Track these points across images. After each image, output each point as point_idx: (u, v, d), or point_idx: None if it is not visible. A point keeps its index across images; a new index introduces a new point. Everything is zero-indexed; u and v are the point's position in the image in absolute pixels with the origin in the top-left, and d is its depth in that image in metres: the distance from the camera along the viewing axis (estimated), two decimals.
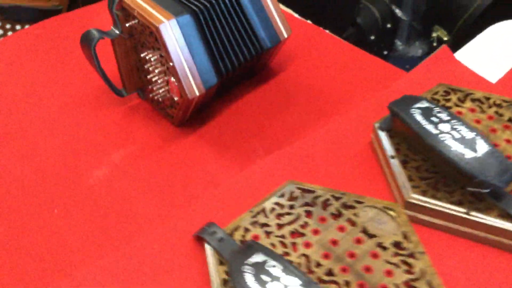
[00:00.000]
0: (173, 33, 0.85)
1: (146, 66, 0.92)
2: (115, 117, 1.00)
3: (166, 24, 0.84)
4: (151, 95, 0.96)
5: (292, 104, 1.00)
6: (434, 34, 2.08)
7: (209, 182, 0.87)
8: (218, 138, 0.95)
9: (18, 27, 1.23)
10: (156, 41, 0.86)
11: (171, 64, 0.85)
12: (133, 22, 0.89)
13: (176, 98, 0.90)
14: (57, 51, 1.14)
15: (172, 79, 0.88)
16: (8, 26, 1.22)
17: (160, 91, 0.92)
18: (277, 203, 0.67)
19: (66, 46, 1.15)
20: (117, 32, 0.91)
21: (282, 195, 0.68)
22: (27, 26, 1.22)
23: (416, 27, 2.13)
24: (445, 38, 2.05)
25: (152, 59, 0.90)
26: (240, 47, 0.93)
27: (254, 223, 0.65)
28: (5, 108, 1.02)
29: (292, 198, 0.68)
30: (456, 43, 1.16)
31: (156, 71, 0.90)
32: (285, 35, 0.98)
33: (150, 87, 0.95)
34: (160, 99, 0.95)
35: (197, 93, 0.88)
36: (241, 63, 0.94)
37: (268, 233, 0.64)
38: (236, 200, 0.73)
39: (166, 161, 0.91)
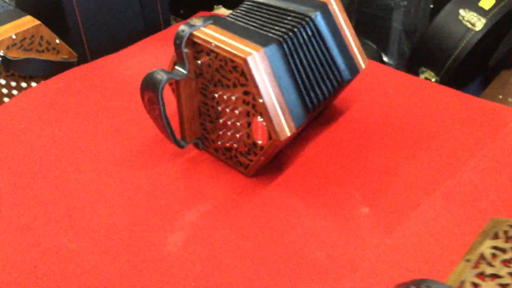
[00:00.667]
0: (262, 65, 0.73)
1: (220, 108, 0.79)
2: (176, 171, 0.86)
3: (255, 56, 0.72)
4: (218, 143, 0.83)
5: (373, 142, 0.89)
6: (422, 76, 2.05)
7: (314, 237, 0.74)
8: (303, 186, 0.82)
9: (33, 83, 1.07)
10: (241, 77, 0.74)
11: (260, 101, 0.73)
12: (206, 58, 0.77)
13: (259, 142, 0.77)
14: (88, 104, 0.99)
15: (259, 119, 0.75)
16: (22, 84, 1.07)
17: (237, 135, 0.79)
18: (495, 247, 0.55)
19: (96, 97, 1.00)
20: (184, 72, 0.78)
21: (495, 236, 0.55)
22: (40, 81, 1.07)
23: (403, 70, 2.11)
24: (433, 80, 2.02)
25: (230, 99, 0.77)
26: (323, 79, 0.83)
27: (479, 275, 0.52)
28: (50, 167, 0.86)
29: (509, 238, 0.56)
30: (445, 84, 1.12)
31: (236, 112, 0.77)
32: (363, 66, 0.88)
33: (218, 133, 0.82)
34: (233, 146, 0.82)
35: (288, 133, 0.75)
36: (325, 97, 0.82)
37: (504, 286, 0.52)
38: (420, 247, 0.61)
39: (250, 217, 0.77)
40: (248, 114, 0.77)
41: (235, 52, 0.73)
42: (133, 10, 1.28)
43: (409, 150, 0.87)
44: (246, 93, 0.75)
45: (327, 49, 0.84)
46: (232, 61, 0.74)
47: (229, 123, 0.79)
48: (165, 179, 0.84)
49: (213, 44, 0.75)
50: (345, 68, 0.86)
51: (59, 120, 0.96)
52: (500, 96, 1.52)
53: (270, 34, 0.78)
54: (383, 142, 0.88)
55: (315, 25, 0.81)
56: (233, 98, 0.76)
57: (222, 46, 0.75)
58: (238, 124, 0.78)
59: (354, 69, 0.87)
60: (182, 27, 0.77)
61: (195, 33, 0.77)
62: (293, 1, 0.83)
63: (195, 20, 0.79)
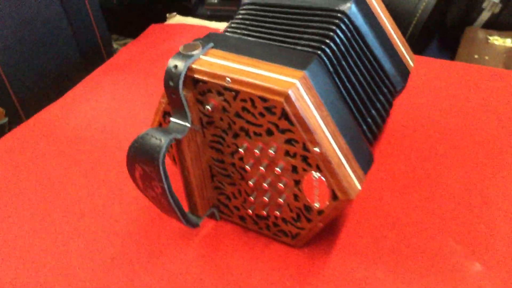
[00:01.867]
0: (309, 98, 0.49)
1: (248, 166, 0.54)
2: (192, 259, 0.60)
3: (298, 86, 0.48)
4: (247, 210, 0.58)
5: (448, 157, 0.66)
6: None
7: None
8: (374, 244, 0.59)
9: None
10: (282, 120, 0.49)
11: (316, 150, 0.49)
12: (219, 100, 0.51)
13: (317, 205, 0.53)
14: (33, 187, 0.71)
15: (315, 174, 0.50)
16: None
17: (280, 199, 0.54)
18: None
19: (47, 170, 0.73)
20: (186, 124, 0.52)
21: None
22: None
23: None
24: None
25: (265, 153, 0.52)
26: (377, 96, 0.59)
27: None
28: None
29: None
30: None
31: (277, 168, 0.52)
32: (411, 65, 0.65)
33: (246, 198, 0.58)
34: (271, 214, 0.57)
35: (359, 186, 0.52)
36: (384, 119, 0.59)
37: None
38: None
39: None
40: (295, 170, 0.52)
41: (266, 85, 0.48)
42: (64, 36, 0.99)
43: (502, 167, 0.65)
44: (290, 141, 0.50)
45: (371, 52, 0.60)
46: (264, 99, 0.49)
47: (264, 184, 0.54)
48: (180, 274, 0.58)
49: (227, 79, 0.50)
50: (396, 73, 0.62)
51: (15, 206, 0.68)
52: (476, 56, 1.35)
53: (300, 47, 0.54)
54: (463, 156, 0.66)
55: (351, 21, 0.57)
56: (271, 151, 0.51)
57: (243, 79, 0.49)
58: (280, 184, 0.53)
59: (404, 72, 0.63)
60: (173, 61, 0.51)
61: (194, 66, 0.51)
62: None
63: (188, 47, 0.53)
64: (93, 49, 1.07)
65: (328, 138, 0.50)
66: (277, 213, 0.57)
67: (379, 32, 0.61)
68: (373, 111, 0.58)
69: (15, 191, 0.69)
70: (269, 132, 0.51)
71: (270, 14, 0.58)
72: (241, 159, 0.55)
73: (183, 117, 0.53)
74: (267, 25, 0.57)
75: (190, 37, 0.95)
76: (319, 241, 0.60)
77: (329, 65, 0.54)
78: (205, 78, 0.51)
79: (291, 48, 0.54)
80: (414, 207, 0.62)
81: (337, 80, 0.54)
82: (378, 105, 0.59)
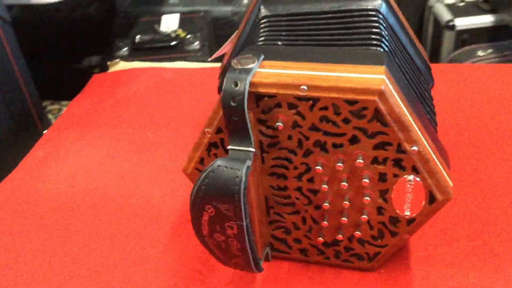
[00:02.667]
0: (396, 94, 0.44)
1: (322, 186, 0.48)
2: None
3: (386, 82, 0.43)
4: (318, 238, 0.53)
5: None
6: None
7: None
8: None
9: None
10: (373, 122, 0.44)
11: (414, 149, 0.44)
12: (289, 114, 0.45)
13: (407, 214, 0.48)
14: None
15: (409, 178, 0.46)
16: None
17: (362, 216, 0.49)
18: None
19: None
20: (251, 150, 0.45)
21: None
22: None
23: None
24: None
25: (347, 165, 0.47)
26: (426, 91, 0.56)
27: None
28: None
29: None
30: None
31: (362, 181, 0.46)
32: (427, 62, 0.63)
33: (311, 226, 0.52)
34: (345, 236, 0.51)
35: (451, 184, 0.47)
36: (435, 114, 0.56)
37: None
38: None
39: None
40: (382, 178, 0.47)
41: (352, 85, 0.43)
42: None
43: None
44: (381, 146, 0.45)
45: (405, 49, 0.57)
46: (352, 102, 0.43)
47: (345, 202, 0.48)
48: None
49: (303, 87, 0.44)
50: (425, 70, 0.60)
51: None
52: None
53: (355, 48, 0.49)
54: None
55: (385, 18, 0.54)
56: (359, 160, 0.45)
57: (323, 84, 0.44)
58: (366, 198, 0.48)
59: (429, 69, 0.61)
60: (230, 77, 0.44)
61: (257, 80, 0.45)
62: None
63: (240, 61, 0.46)
64: (25, 116, 0.95)
65: (422, 135, 0.45)
66: (358, 233, 0.50)
67: (404, 29, 0.58)
68: (431, 107, 0.54)
69: None
70: (354, 140, 0.46)
71: (305, 22, 0.53)
72: (310, 180, 0.49)
73: (246, 142, 0.45)
74: (306, 32, 0.52)
75: (147, 80, 0.86)
76: (390, 258, 0.54)
77: (397, 61, 0.49)
78: (273, 91, 0.45)
79: (348, 48, 0.49)
80: (475, 206, 0.59)
81: (405, 76, 0.50)
82: (429, 100, 0.55)
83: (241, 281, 0.54)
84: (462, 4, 1.58)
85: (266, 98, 0.45)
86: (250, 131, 0.45)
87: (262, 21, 0.54)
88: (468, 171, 0.64)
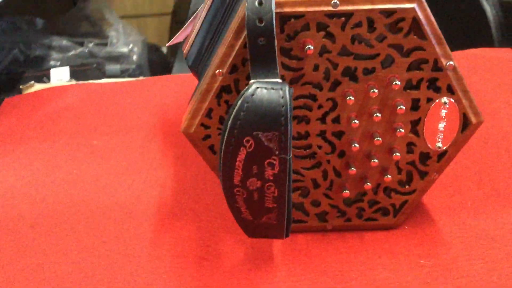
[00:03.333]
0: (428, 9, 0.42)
1: (355, 121, 0.44)
2: (287, 276, 0.45)
3: None
4: (344, 192, 0.47)
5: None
6: None
7: None
8: None
9: None
10: (409, 36, 0.42)
11: (451, 63, 0.42)
12: (319, 36, 0.41)
13: (439, 145, 0.45)
14: None
15: (445, 100, 0.43)
16: None
17: (395, 154, 0.45)
18: None
19: None
20: (278, 81, 0.41)
21: None
22: None
23: None
24: None
25: (381, 91, 0.43)
26: None
27: None
28: None
29: None
30: None
31: (401, 107, 0.43)
32: None
33: (330, 181, 0.47)
34: (373, 185, 0.47)
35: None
36: None
37: None
38: None
39: None
40: (415, 106, 0.44)
41: None
42: None
43: None
44: (416, 65, 0.42)
45: None
46: (389, 12, 0.40)
47: (377, 138, 0.44)
48: None
49: (334, 1, 0.40)
50: None
51: None
52: None
53: None
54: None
55: None
56: (394, 83, 0.42)
57: None
58: (400, 131, 0.44)
59: None
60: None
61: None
62: None
63: None
64: None
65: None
66: (388, 177, 0.46)
67: None
68: None
69: None
70: (387, 62, 0.42)
71: None
72: (335, 120, 0.44)
73: (272, 73, 0.40)
74: None
75: (74, 95, 0.77)
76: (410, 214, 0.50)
77: None
78: (301, 9, 0.40)
79: None
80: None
81: None
82: None
83: (253, 260, 0.47)
84: None
85: (292, 20, 0.41)
86: (277, 59, 0.39)
87: None
88: None
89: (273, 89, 0.38)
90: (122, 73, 1.62)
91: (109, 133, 0.67)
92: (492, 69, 0.76)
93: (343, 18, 0.41)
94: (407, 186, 0.47)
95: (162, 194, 0.56)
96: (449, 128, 0.44)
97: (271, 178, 0.39)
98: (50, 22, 1.85)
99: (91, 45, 1.67)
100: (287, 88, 0.38)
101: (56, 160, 0.62)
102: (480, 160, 0.58)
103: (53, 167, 0.61)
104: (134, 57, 1.61)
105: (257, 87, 0.38)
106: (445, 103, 0.43)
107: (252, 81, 0.38)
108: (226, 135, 0.38)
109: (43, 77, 1.36)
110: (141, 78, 0.86)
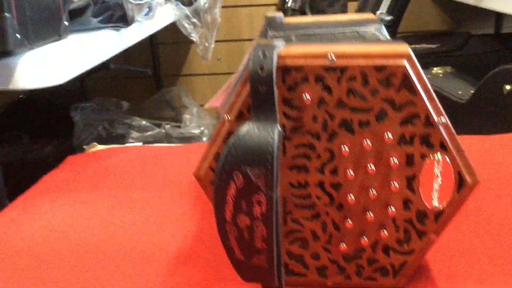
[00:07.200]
0: (419, 66, 0.45)
1: (350, 172, 0.46)
2: None
3: (410, 52, 0.44)
4: (341, 245, 0.49)
5: None
6: None
7: None
8: None
9: None
10: (401, 91, 0.44)
11: (442, 119, 0.44)
12: (317, 88, 0.45)
13: (436, 204, 0.46)
14: None
15: (438, 157, 0.45)
16: None
17: (390, 209, 0.46)
18: None
19: None
20: (277, 128, 0.44)
21: None
22: None
23: None
24: None
25: (377, 143, 0.45)
26: None
27: None
28: None
29: None
30: None
31: (394, 160, 0.45)
32: None
33: (329, 234, 0.48)
34: (369, 242, 0.48)
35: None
36: None
37: None
38: None
39: None
40: (410, 161, 0.45)
41: (381, 50, 0.43)
42: None
43: None
44: (408, 120, 0.44)
45: None
46: (381, 68, 0.43)
47: (371, 191, 0.46)
48: None
49: (331, 54, 0.44)
50: None
51: None
52: None
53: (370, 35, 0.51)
54: None
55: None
56: (387, 136, 0.44)
57: (351, 51, 0.44)
58: (394, 185, 0.45)
59: None
60: (258, 49, 0.44)
61: (283, 52, 0.44)
62: (336, 25, 0.57)
63: (262, 41, 0.46)
64: None
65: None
66: (384, 232, 0.47)
67: None
68: None
69: None
70: (381, 116, 0.45)
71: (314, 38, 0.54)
72: (333, 172, 0.46)
73: (271, 119, 0.43)
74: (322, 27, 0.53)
75: (125, 157, 0.84)
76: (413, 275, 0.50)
77: None
78: (301, 62, 0.44)
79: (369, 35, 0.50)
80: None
81: None
82: None
83: None
84: None
85: (293, 72, 0.44)
86: (276, 106, 0.43)
87: (267, 26, 0.55)
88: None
89: (263, 128, 0.41)
90: None
91: (147, 189, 0.72)
92: None
93: (338, 72, 0.44)
94: (405, 246, 0.47)
95: (180, 242, 0.59)
96: (444, 187, 0.45)
97: (259, 216, 0.42)
98: (135, 105, 2.00)
99: (167, 126, 1.78)
100: (276, 129, 0.41)
101: (97, 208, 0.68)
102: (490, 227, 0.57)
103: (93, 214, 0.66)
104: (204, 139, 1.69)
105: (249, 127, 0.41)
106: (439, 160, 0.45)
107: (246, 123, 0.42)
108: (219, 168, 0.41)
109: None
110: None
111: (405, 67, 0.43)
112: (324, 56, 0.44)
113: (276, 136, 0.40)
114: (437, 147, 0.44)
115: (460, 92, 1.54)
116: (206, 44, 1.73)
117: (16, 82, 0.83)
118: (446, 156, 0.44)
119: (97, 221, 0.64)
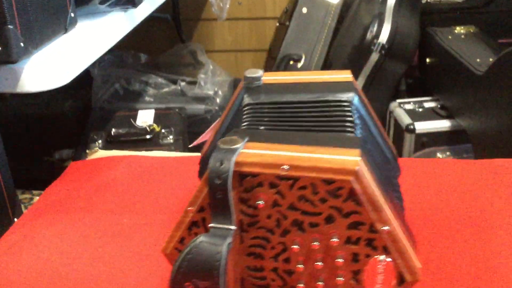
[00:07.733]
0: (369, 175, 0.48)
1: (297, 266, 0.50)
2: None
3: (361, 164, 0.47)
4: None
5: None
6: None
7: None
8: None
9: None
10: (348, 202, 0.47)
11: (385, 229, 0.47)
12: (270, 193, 0.48)
13: None
14: None
15: (381, 258, 0.48)
16: None
17: None
18: None
19: None
20: (232, 227, 0.48)
21: None
22: None
23: None
24: None
25: (323, 245, 0.49)
26: (394, 178, 0.60)
27: None
28: None
29: None
30: None
31: (339, 260, 0.49)
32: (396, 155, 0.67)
33: None
34: None
35: (419, 265, 0.50)
36: (402, 201, 0.59)
37: None
38: None
39: None
40: (355, 259, 0.49)
41: (330, 166, 0.46)
42: None
43: None
44: (354, 226, 0.48)
45: (374, 137, 0.61)
46: (329, 181, 0.46)
47: (319, 283, 0.50)
48: None
49: (285, 166, 0.47)
50: (393, 159, 0.63)
51: None
52: None
53: (334, 134, 0.53)
54: None
55: (357, 109, 0.58)
56: (334, 239, 0.48)
57: (303, 164, 0.47)
58: (339, 279, 0.49)
59: (396, 159, 0.65)
60: (217, 156, 0.47)
61: (241, 160, 0.47)
62: (311, 91, 0.59)
63: (225, 142, 0.49)
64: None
65: (391, 216, 0.48)
66: None
67: (374, 121, 0.62)
68: (396, 192, 0.58)
69: None
70: (329, 220, 0.48)
71: (286, 110, 0.56)
72: (286, 260, 0.51)
73: (227, 220, 0.47)
74: (287, 118, 0.56)
75: (125, 167, 0.88)
76: None
77: (368, 147, 0.53)
78: (256, 170, 0.47)
79: (328, 135, 0.53)
80: None
81: (373, 162, 0.53)
82: (396, 186, 0.59)
83: None
84: (420, 110, 1.68)
85: (249, 177, 0.48)
86: (232, 209, 0.47)
87: (245, 108, 0.58)
88: (433, 256, 0.66)
89: (213, 244, 0.45)
90: (206, 113, 1.74)
91: (141, 212, 0.77)
92: None
93: (291, 181, 0.47)
94: None
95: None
96: (386, 282, 0.49)
97: None
98: (153, 57, 2.02)
99: (183, 84, 1.81)
100: (225, 244, 0.45)
101: (87, 234, 0.73)
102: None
103: (83, 242, 0.72)
104: (218, 100, 1.72)
105: (201, 241, 0.45)
106: (381, 260, 0.48)
107: (200, 235, 0.46)
108: (172, 277, 0.46)
109: (131, 118, 1.51)
110: (194, 154, 0.94)
111: (351, 183, 0.46)
112: (278, 166, 0.47)
113: (225, 250, 0.44)
114: (380, 250, 0.48)
115: (478, 60, 1.50)
116: (221, 5, 1.72)
117: (22, 86, 0.87)
118: (388, 258, 0.48)
119: (88, 251, 0.70)
